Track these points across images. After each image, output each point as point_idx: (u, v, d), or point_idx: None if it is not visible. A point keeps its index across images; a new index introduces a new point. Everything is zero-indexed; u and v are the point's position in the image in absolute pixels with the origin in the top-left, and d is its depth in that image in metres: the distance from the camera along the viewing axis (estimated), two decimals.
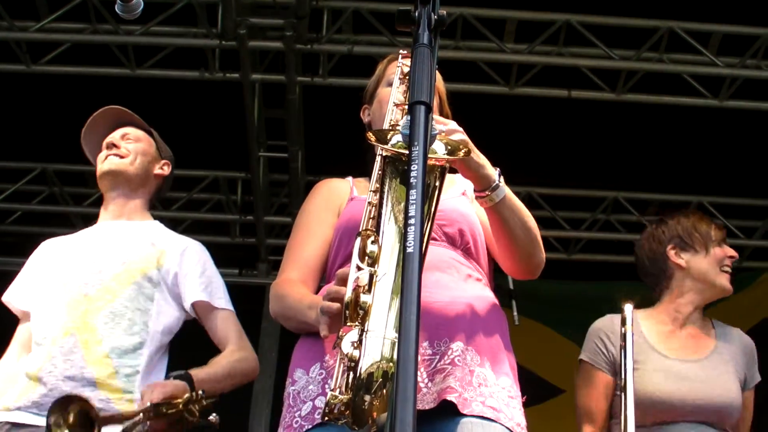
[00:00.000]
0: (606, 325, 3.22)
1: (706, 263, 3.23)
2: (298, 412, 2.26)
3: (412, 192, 1.35)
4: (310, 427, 2.22)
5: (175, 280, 3.19)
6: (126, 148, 3.36)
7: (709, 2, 5.81)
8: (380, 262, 1.97)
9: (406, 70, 2.36)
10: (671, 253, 3.26)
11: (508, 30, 6.12)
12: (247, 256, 7.75)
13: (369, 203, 2.14)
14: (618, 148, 6.65)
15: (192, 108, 6.30)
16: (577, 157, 6.79)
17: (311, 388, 2.27)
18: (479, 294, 2.43)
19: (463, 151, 2.01)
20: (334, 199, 2.64)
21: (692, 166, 6.72)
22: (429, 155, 2.05)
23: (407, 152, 1.98)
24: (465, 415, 2.18)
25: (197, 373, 2.97)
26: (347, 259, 2.41)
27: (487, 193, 2.31)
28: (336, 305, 1.98)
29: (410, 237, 1.31)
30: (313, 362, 2.32)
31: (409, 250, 1.29)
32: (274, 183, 7.33)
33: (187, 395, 2.81)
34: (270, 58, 6.19)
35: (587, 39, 6.05)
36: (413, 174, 1.37)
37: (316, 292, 2.46)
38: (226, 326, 3.22)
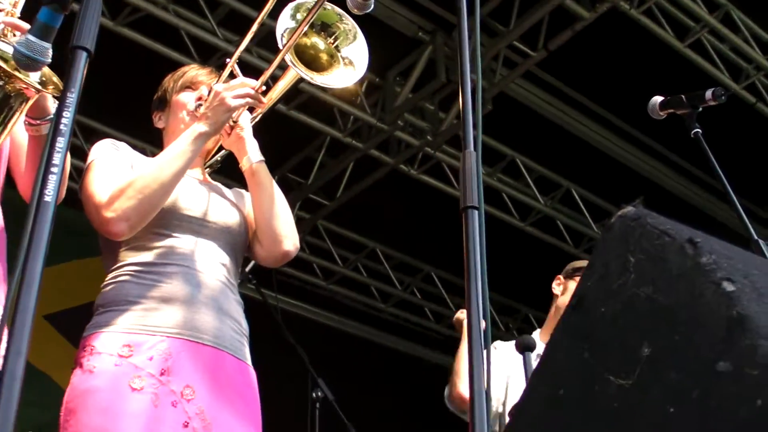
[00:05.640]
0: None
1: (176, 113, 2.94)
2: None
3: (60, 139, 1.29)
4: None
5: None
6: None
7: None
8: None
9: None
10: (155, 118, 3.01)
11: None
12: None
13: None
14: None
15: None
16: None
17: None
18: None
19: (52, 87, 1.97)
20: None
21: None
22: (23, 78, 1.97)
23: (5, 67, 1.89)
24: None
25: None
26: None
27: (38, 122, 2.31)
28: None
29: (50, 185, 1.26)
30: None
31: (47, 198, 1.25)
32: None
33: None
34: None
35: None
36: (64, 121, 1.31)
37: None
38: None
